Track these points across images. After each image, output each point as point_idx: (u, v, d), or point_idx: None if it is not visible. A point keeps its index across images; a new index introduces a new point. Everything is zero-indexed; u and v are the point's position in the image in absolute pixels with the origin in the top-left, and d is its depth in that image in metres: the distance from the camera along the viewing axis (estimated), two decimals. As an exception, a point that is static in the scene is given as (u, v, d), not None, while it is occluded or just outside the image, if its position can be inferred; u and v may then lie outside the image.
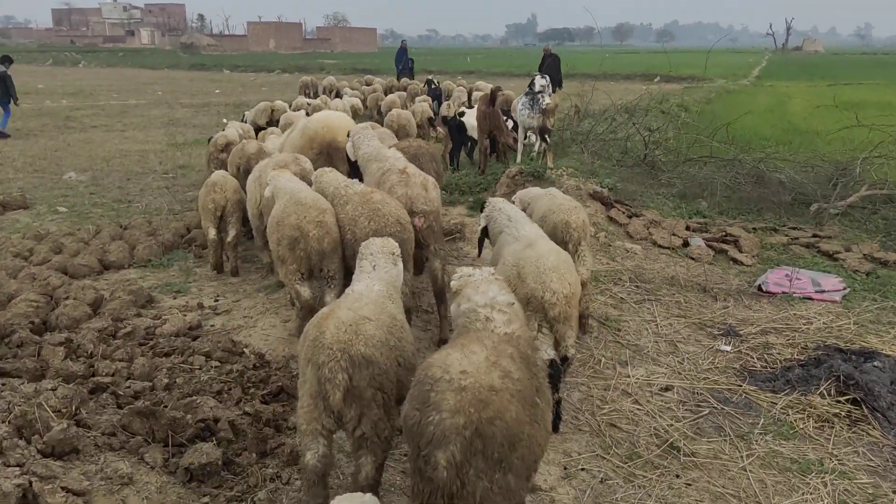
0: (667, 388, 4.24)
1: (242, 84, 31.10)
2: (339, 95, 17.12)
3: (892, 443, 3.67)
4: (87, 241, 6.82)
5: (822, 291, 5.75)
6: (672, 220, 7.43)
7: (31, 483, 2.50)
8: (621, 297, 5.63)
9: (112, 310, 4.84)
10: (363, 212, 4.26)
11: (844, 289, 5.81)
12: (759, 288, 5.81)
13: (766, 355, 4.67)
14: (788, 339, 4.91)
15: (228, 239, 6.03)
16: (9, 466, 2.62)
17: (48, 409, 3.02)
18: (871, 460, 3.54)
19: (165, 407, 3.41)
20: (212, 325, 4.90)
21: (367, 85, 19.92)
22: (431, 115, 12.87)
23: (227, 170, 6.69)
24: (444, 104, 13.46)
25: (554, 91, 10.61)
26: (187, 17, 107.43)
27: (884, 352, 4.56)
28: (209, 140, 8.99)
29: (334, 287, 4.30)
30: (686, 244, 6.87)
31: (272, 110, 12.05)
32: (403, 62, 21.26)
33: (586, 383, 4.28)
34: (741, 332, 5.03)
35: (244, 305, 5.33)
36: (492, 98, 9.11)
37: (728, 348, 4.78)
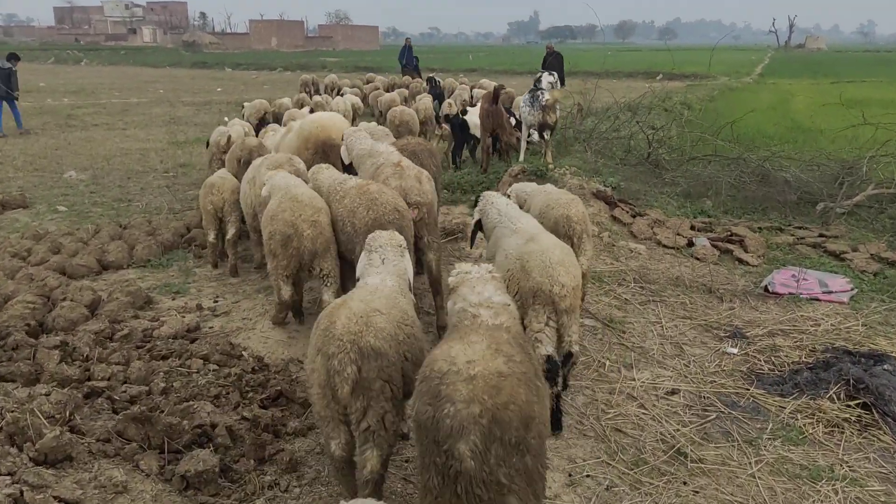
0: (673, 392, 4.17)
1: (244, 82, 31.02)
2: (340, 94, 17.04)
3: (904, 449, 3.60)
4: (86, 240, 6.76)
5: (830, 292, 5.66)
6: (676, 220, 7.35)
7: (22, 493, 2.44)
8: (626, 299, 5.55)
9: (109, 311, 4.78)
10: (361, 202, 4.30)
11: (852, 289, 5.72)
12: (766, 289, 5.73)
13: (773, 358, 4.59)
14: (796, 342, 4.82)
15: (228, 237, 6.02)
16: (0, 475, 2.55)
17: (41, 415, 2.96)
18: (883, 467, 3.46)
19: (162, 412, 3.35)
20: (210, 327, 4.83)
21: (369, 83, 19.84)
22: (434, 112, 12.78)
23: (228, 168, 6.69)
24: (446, 102, 13.36)
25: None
26: (189, 15, 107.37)
27: (893, 354, 4.48)
28: (207, 143, 8.95)
29: (331, 285, 4.33)
30: (691, 244, 6.79)
31: (265, 112, 12.06)
32: (407, 59, 21.12)
33: (591, 387, 4.21)
34: (748, 334, 4.95)
35: (243, 307, 5.27)
36: (495, 96, 9.02)
37: (735, 351, 4.70)
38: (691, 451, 3.55)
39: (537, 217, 4.61)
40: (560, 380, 3.85)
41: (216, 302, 5.41)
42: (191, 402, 3.40)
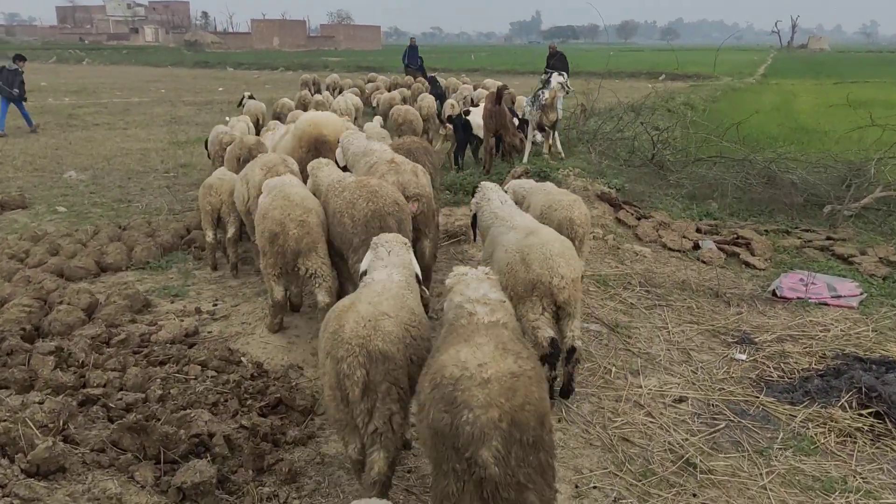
0: (681, 400, 4.08)
1: (246, 82, 30.95)
2: (341, 93, 16.97)
3: (919, 460, 3.51)
4: (85, 242, 6.69)
5: (839, 297, 5.57)
6: (682, 222, 7.26)
7: (12, 506, 2.36)
8: (631, 303, 5.46)
9: (106, 315, 4.70)
10: (361, 195, 4.34)
11: (861, 294, 5.63)
12: (774, 293, 5.63)
13: (782, 364, 4.51)
14: (805, 348, 4.73)
15: (228, 236, 6.02)
16: (-10, 488, 2.48)
17: (33, 425, 2.88)
18: (898, 478, 3.37)
19: (158, 420, 3.27)
20: (209, 332, 4.75)
21: (370, 82, 19.74)
22: (437, 111, 12.69)
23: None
24: (449, 102, 13.27)
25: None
26: (191, 14, 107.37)
27: (906, 361, 4.39)
28: (206, 143, 8.91)
29: (323, 284, 4.34)
30: (697, 247, 6.70)
31: (260, 116, 12.12)
32: (410, 59, 20.87)
33: (597, 394, 4.12)
34: (756, 340, 4.86)
35: (243, 311, 5.18)
36: (498, 96, 8.93)
37: (743, 357, 4.61)
38: (701, 461, 3.46)
39: (539, 218, 4.58)
40: (562, 372, 3.89)
41: (215, 305, 5.33)
42: (188, 411, 3.32)
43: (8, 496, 2.45)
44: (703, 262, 6.37)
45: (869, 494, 3.25)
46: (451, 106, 12.87)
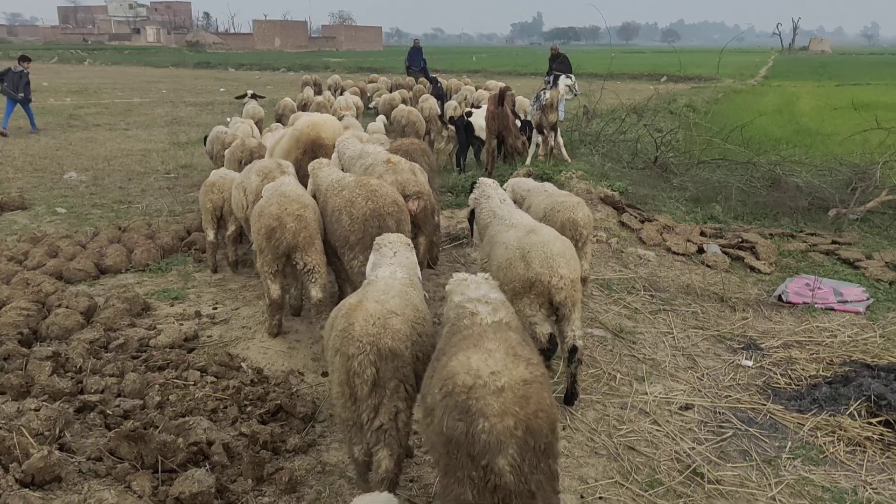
0: (687, 407, 4.02)
1: (247, 82, 30.87)
2: (343, 94, 16.93)
3: (931, 470, 3.44)
4: (85, 244, 6.64)
5: (845, 302, 5.51)
6: (686, 226, 7.20)
7: (6, 518, 2.31)
8: (635, 308, 5.41)
9: (105, 319, 4.64)
10: (360, 193, 4.37)
11: (868, 299, 5.57)
12: (779, 298, 5.57)
13: (789, 371, 4.45)
14: (812, 354, 4.68)
15: (228, 234, 6.05)
16: (-17, 498, 2.42)
17: (29, 433, 2.82)
18: (909, 489, 3.31)
19: (156, 428, 3.21)
20: (209, 336, 4.69)
21: (372, 83, 19.68)
22: (439, 112, 12.63)
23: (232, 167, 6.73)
24: (451, 104, 13.22)
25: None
26: (193, 15, 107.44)
27: (915, 369, 4.32)
28: (204, 139, 8.92)
29: (317, 280, 4.41)
30: (701, 250, 6.64)
31: (258, 119, 12.14)
32: (411, 61, 20.65)
33: (601, 401, 4.06)
34: (762, 346, 4.80)
35: (243, 314, 5.12)
36: (500, 98, 8.88)
37: (749, 363, 4.55)
38: (708, 471, 3.40)
39: (541, 216, 4.57)
40: (568, 380, 3.89)
41: (215, 309, 5.27)
42: (186, 418, 3.26)
43: (2, 507, 2.39)
44: (708, 266, 6.31)
45: (880, 506, 3.19)
46: (454, 108, 12.82)
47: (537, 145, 9.71)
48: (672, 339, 4.89)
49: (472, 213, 4.56)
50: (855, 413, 3.88)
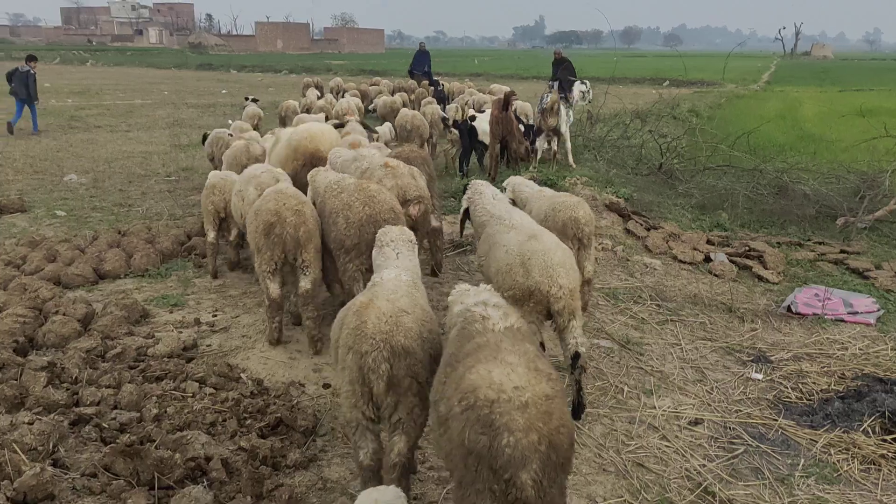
0: (696, 422, 3.93)
1: (249, 84, 30.89)
2: (344, 96, 16.87)
3: (949, 490, 3.35)
4: (84, 248, 6.55)
5: (855, 313, 5.42)
6: (692, 234, 7.11)
7: (-5, 540, 2.22)
8: (642, 318, 5.32)
9: (103, 326, 4.56)
10: (358, 198, 4.36)
11: (878, 310, 5.48)
12: (789, 308, 5.48)
13: (800, 385, 4.35)
14: (823, 367, 4.58)
15: (230, 238, 6.06)
16: (-28, 519, 2.33)
17: (21, 448, 2.74)
18: (926, 510, 3.22)
19: (153, 442, 3.12)
20: (208, 345, 4.60)
21: (374, 86, 19.60)
22: (443, 116, 12.56)
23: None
24: (451, 107, 13.14)
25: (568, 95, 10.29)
26: (195, 16, 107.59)
27: (929, 384, 4.23)
28: (203, 137, 8.88)
29: (310, 273, 4.44)
30: (708, 259, 6.55)
31: (258, 118, 12.17)
32: (414, 65, 20.40)
33: (609, 415, 3.97)
34: (772, 359, 4.71)
35: (243, 322, 5.04)
36: (505, 102, 8.80)
37: (759, 376, 4.46)
38: (720, 490, 3.31)
39: (542, 218, 4.56)
40: (574, 389, 3.84)
41: (215, 316, 5.18)
42: (184, 432, 3.17)
43: (-9, 528, 2.31)
44: (715, 276, 6.22)
45: (897, 527, 3.10)
46: (455, 110, 12.75)
47: (541, 151, 9.65)
48: (680, 351, 4.80)
49: (466, 212, 4.61)
50: (869, 430, 3.79)
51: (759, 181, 8.51)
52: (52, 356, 4.08)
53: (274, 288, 4.40)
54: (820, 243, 7.12)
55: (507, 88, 12.11)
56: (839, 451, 3.66)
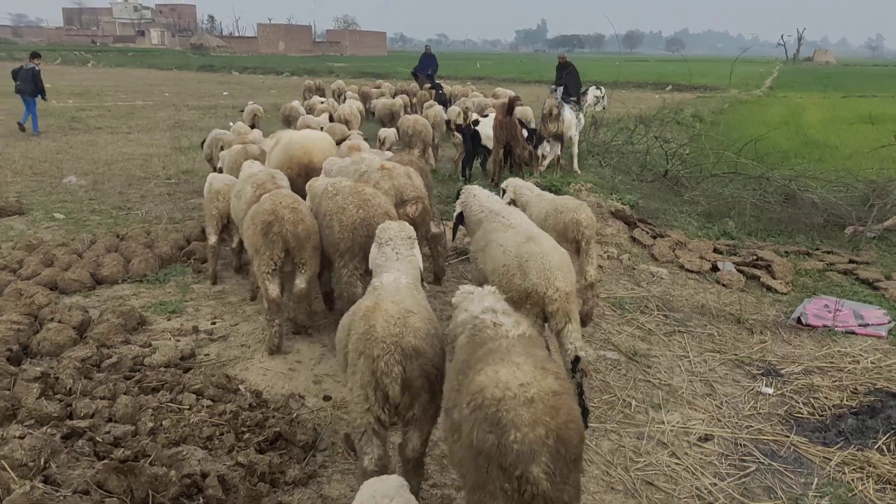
0: (706, 438, 3.83)
1: (251, 86, 30.84)
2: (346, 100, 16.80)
3: (968, 513, 3.25)
4: (81, 252, 6.46)
5: (866, 325, 5.32)
6: (699, 242, 7.01)
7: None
8: (649, 329, 5.22)
9: (99, 335, 4.46)
10: (353, 201, 4.34)
11: (889, 322, 5.38)
12: (799, 320, 5.38)
13: (812, 399, 4.25)
14: (835, 381, 4.48)
15: (233, 245, 6.03)
16: (-43, 541, 2.24)
17: (11, 465, 2.64)
18: (946, 534, 3.11)
19: (147, 457, 3.03)
20: (206, 355, 4.50)
21: (376, 88, 19.52)
22: (447, 119, 12.47)
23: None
24: (452, 109, 13.07)
25: (577, 100, 10.21)
26: (198, 17, 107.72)
27: (944, 400, 4.13)
28: (202, 143, 8.82)
29: (305, 272, 4.45)
30: (715, 268, 6.45)
31: (256, 114, 12.27)
32: (418, 68, 20.26)
33: (617, 430, 3.87)
34: (782, 372, 4.61)
35: (242, 331, 4.94)
36: (509, 107, 8.72)
37: (770, 391, 4.36)
38: (732, 511, 3.21)
39: (543, 219, 4.57)
40: (576, 393, 3.73)
41: (213, 324, 5.08)
42: (180, 448, 3.07)
43: (-23, 552, 2.21)
44: (723, 285, 6.12)
45: (916, 552, 3.00)
46: (456, 114, 12.67)
47: (543, 156, 9.56)
48: (688, 364, 4.70)
49: (460, 216, 4.61)
50: (884, 447, 3.70)
51: (766, 189, 8.41)
52: (47, 365, 3.99)
53: (273, 288, 4.36)
54: (828, 252, 7.02)
55: (511, 92, 12.03)
56: (853, 469, 3.56)
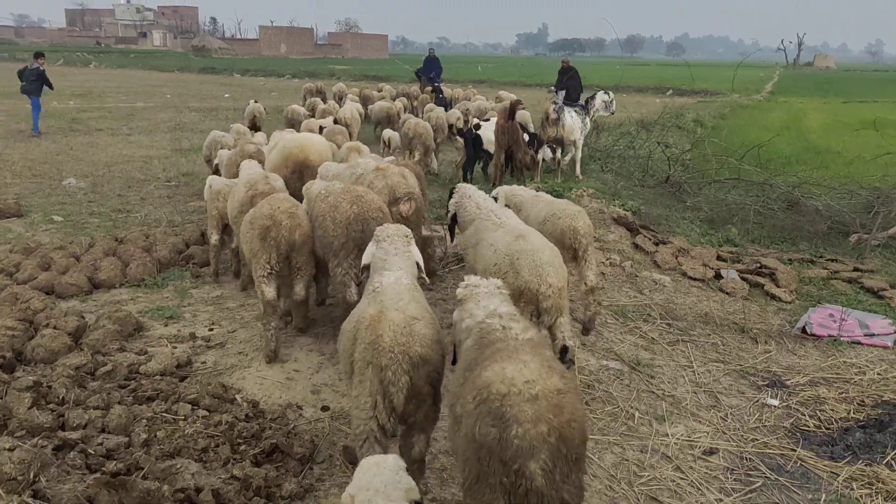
0: (711, 452, 3.76)
1: (252, 88, 30.80)
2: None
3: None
4: (79, 256, 6.40)
5: (872, 335, 5.25)
6: (702, 249, 6.94)
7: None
8: (652, 338, 5.15)
9: (94, 341, 4.39)
10: (345, 198, 4.40)
11: (895, 332, 5.31)
12: (803, 330, 5.31)
13: (818, 412, 4.18)
14: (841, 393, 4.41)
15: (233, 245, 6.00)
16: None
17: (-2, 481, 2.57)
18: (958, 553, 3.04)
19: (140, 470, 2.96)
20: (202, 363, 4.43)
21: (378, 91, 19.48)
22: (447, 122, 12.42)
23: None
24: (451, 111, 13.02)
25: (586, 106, 10.14)
26: (200, 19, 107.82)
27: (953, 413, 4.06)
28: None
29: (302, 278, 4.53)
30: (718, 276, 6.38)
31: (256, 115, 12.33)
32: (421, 70, 20.18)
33: (620, 443, 3.80)
34: (788, 383, 4.54)
35: (240, 338, 4.87)
36: (511, 112, 8.67)
37: (775, 402, 4.29)
38: (738, 528, 3.14)
39: (540, 223, 4.57)
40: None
41: (211, 330, 5.01)
42: (174, 461, 3.00)
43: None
44: (726, 293, 6.05)
45: (927, 572, 2.92)
46: (456, 117, 12.62)
47: (543, 160, 9.50)
48: (692, 374, 4.63)
49: (454, 218, 4.61)
50: (893, 462, 3.62)
51: (770, 195, 8.35)
52: (40, 373, 3.92)
53: (269, 291, 4.37)
54: (833, 260, 6.95)
55: (513, 96, 11.97)
56: (862, 485, 3.49)
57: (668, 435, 3.88)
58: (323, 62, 60.64)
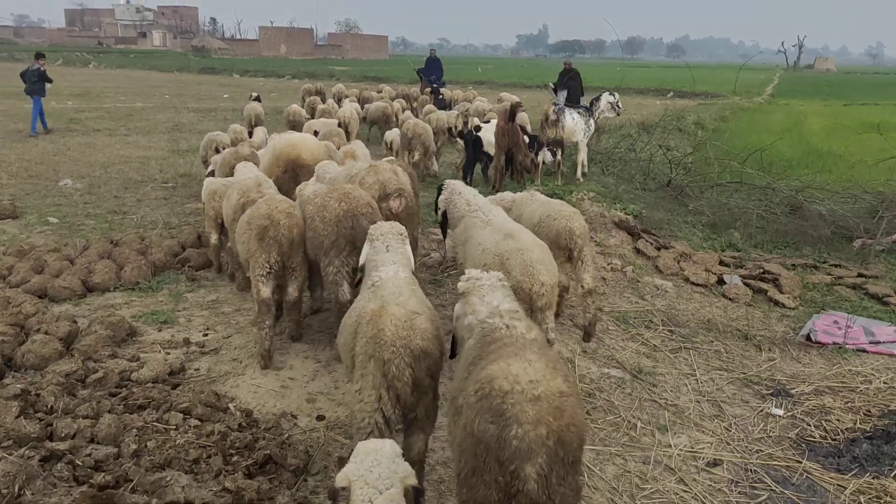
0: (715, 463, 3.68)
1: (252, 89, 30.62)
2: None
3: None
4: (73, 258, 6.31)
5: (877, 343, 5.17)
6: (704, 254, 6.86)
7: None
8: (654, 345, 5.06)
9: (86, 347, 4.31)
10: (333, 197, 4.40)
11: (901, 340, 5.23)
12: (808, 337, 5.23)
13: (824, 422, 4.10)
14: (847, 402, 4.33)
15: (229, 244, 5.90)
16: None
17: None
18: (969, 571, 2.96)
19: (129, 482, 2.87)
20: (196, 370, 4.34)
21: (378, 92, 19.39)
22: (447, 124, 12.34)
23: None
24: (450, 113, 12.96)
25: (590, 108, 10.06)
26: (200, 20, 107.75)
27: (961, 424, 3.98)
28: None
29: (296, 279, 4.54)
30: (721, 281, 6.30)
31: (254, 116, 12.36)
32: (423, 70, 20.03)
33: (622, 454, 3.71)
34: (792, 392, 4.46)
35: (235, 343, 4.78)
36: (511, 114, 8.59)
37: (780, 412, 4.21)
38: (744, 543, 3.06)
39: (536, 226, 4.54)
40: None
41: (205, 335, 4.93)
42: (164, 473, 2.92)
43: None
44: (729, 299, 5.97)
45: (938, 590, 2.84)
46: (456, 118, 12.55)
47: (543, 162, 9.42)
48: (695, 382, 4.55)
49: (444, 215, 4.59)
50: (901, 475, 3.54)
51: (772, 199, 8.27)
52: (30, 380, 3.83)
53: (265, 290, 4.35)
54: (836, 266, 6.87)
55: (515, 98, 11.90)
56: (870, 498, 3.41)
57: (670, 446, 3.80)
58: (323, 63, 60.56)
